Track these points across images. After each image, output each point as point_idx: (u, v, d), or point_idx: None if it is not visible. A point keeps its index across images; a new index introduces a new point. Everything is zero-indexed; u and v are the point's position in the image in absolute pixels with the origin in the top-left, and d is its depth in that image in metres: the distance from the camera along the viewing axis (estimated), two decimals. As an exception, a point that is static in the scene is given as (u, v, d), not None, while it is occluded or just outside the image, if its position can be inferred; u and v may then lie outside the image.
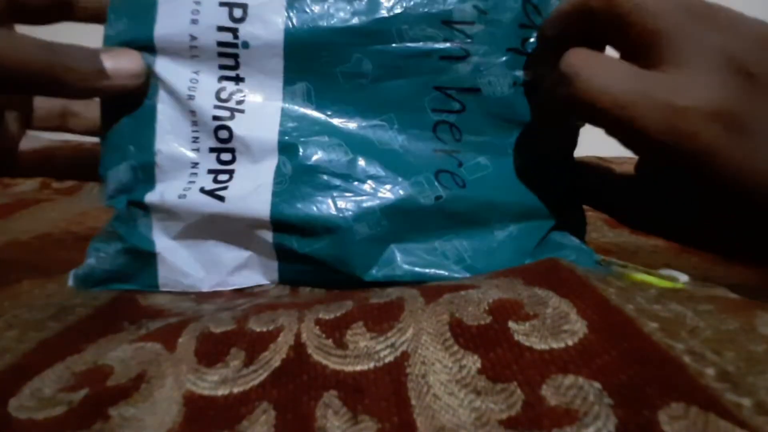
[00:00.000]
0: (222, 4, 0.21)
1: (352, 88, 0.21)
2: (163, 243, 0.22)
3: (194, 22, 0.21)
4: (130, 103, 0.22)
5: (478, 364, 0.13)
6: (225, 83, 0.21)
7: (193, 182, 0.21)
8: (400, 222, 0.21)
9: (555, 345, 0.13)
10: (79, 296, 0.21)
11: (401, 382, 0.12)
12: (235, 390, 0.13)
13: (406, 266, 0.21)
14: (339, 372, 0.13)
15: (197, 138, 0.22)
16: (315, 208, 0.21)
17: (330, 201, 0.21)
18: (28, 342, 0.16)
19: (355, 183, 0.21)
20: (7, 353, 0.16)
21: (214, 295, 0.22)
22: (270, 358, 0.14)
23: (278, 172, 0.21)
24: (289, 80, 0.21)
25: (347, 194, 0.21)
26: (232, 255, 0.22)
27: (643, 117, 0.16)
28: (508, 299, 0.15)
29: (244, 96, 0.22)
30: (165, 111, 0.22)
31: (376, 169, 0.21)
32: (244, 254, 0.22)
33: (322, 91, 0.22)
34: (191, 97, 0.21)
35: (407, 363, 0.13)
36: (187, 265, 0.22)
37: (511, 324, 0.14)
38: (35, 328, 0.18)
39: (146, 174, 0.22)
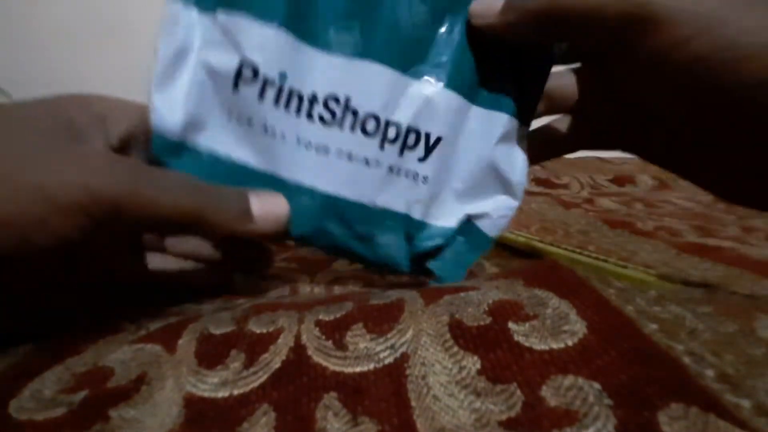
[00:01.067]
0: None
1: None
2: None
3: None
4: None
5: (478, 365, 0.13)
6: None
7: None
8: None
9: (555, 346, 0.13)
10: (80, 293, 0.21)
11: (401, 383, 0.12)
12: (236, 392, 0.13)
13: None
14: (339, 373, 0.13)
15: None
16: None
17: None
18: (27, 343, 0.16)
19: None
20: (7, 355, 0.16)
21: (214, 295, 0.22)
22: (270, 359, 0.14)
23: None
24: None
25: None
26: None
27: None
28: (507, 300, 0.15)
29: None
30: None
31: None
32: None
33: None
34: None
35: (407, 364, 0.13)
36: None
37: (510, 325, 0.14)
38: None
39: None
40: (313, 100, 0.20)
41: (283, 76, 0.20)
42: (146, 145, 0.20)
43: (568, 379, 0.12)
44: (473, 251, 0.23)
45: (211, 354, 0.14)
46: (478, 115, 0.22)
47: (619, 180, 0.76)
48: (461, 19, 0.21)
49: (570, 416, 0.11)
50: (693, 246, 0.34)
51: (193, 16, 0.20)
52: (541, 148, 0.24)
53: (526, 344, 0.13)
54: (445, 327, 0.14)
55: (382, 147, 0.21)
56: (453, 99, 0.21)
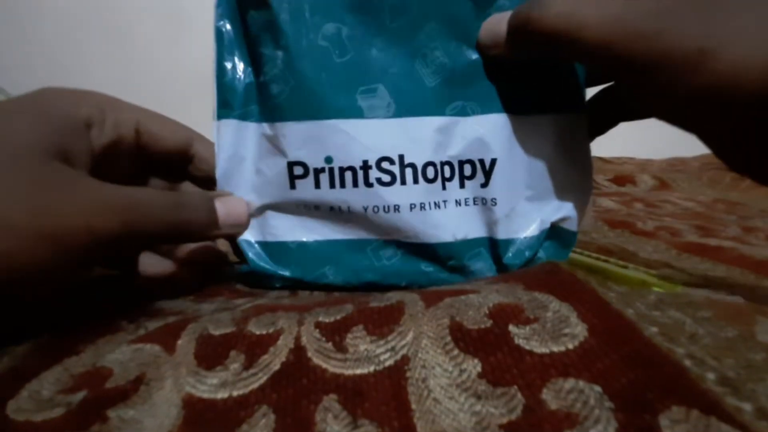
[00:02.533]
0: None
1: None
2: None
3: None
4: None
5: (479, 368, 0.13)
6: None
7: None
8: None
9: (555, 349, 0.13)
10: (78, 292, 0.21)
11: (401, 386, 0.12)
12: (235, 393, 0.13)
13: None
14: (339, 375, 0.13)
15: None
16: None
17: None
18: (26, 343, 0.16)
19: None
20: (5, 355, 0.16)
21: (214, 293, 0.22)
22: (270, 361, 0.14)
23: None
24: None
25: None
26: None
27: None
28: (508, 303, 0.15)
29: None
30: None
31: None
32: None
33: None
34: None
35: (407, 367, 0.13)
36: None
37: (511, 328, 0.14)
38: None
39: None
40: (367, 167, 0.21)
41: (328, 160, 0.21)
42: (133, 149, 0.21)
43: (569, 383, 0.12)
44: (563, 249, 0.24)
45: (210, 355, 0.14)
46: (523, 123, 0.22)
47: (619, 180, 0.76)
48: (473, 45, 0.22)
49: (571, 419, 0.11)
50: (693, 246, 0.34)
51: (249, 127, 0.22)
52: (600, 119, 0.24)
53: (527, 347, 0.13)
54: (445, 330, 0.14)
55: (444, 187, 0.22)
56: (495, 119, 0.22)
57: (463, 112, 0.22)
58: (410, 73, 0.21)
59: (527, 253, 0.23)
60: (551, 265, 0.18)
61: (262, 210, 0.23)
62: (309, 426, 0.12)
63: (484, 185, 0.22)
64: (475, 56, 0.22)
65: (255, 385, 0.13)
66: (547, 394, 0.11)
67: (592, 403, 0.11)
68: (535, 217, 0.23)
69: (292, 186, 0.22)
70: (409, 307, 0.15)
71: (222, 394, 0.13)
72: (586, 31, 0.17)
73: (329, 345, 0.14)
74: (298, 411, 0.12)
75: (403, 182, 0.21)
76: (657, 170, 0.82)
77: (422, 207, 0.21)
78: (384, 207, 0.21)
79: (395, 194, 0.21)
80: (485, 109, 0.22)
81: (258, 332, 0.15)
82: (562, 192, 0.23)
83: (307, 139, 0.21)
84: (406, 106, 0.21)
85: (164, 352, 0.15)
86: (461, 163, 0.22)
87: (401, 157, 0.21)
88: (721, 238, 0.37)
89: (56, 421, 0.12)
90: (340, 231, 0.22)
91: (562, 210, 0.23)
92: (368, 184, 0.21)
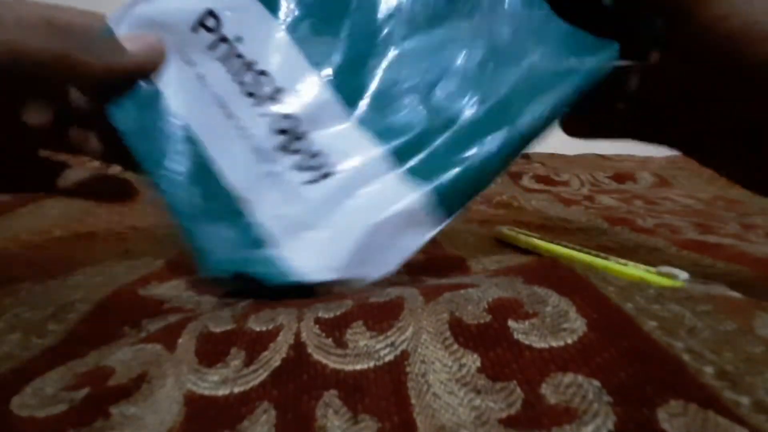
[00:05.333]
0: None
1: None
2: None
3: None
4: None
5: (478, 363, 0.13)
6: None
7: None
8: None
9: (554, 343, 0.13)
10: (79, 292, 0.21)
11: (401, 381, 0.13)
12: (236, 390, 0.13)
13: None
14: (339, 371, 0.13)
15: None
16: None
17: None
18: (31, 349, 0.17)
19: None
20: (10, 359, 0.16)
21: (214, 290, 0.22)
22: (270, 357, 0.14)
23: None
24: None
25: None
26: None
27: None
28: (507, 298, 0.15)
29: None
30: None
31: None
32: None
33: None
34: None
35: (407, 362, 0.13)
36: None
37: (510, 322, 0.14)
38: (37, 333, 0.18)
39: None
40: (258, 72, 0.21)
41: (238, 39, 0.21)
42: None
43: (568, 377, 0.12)
44: None
45: (211, 352, 0.14)
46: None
47: (619, 177, 0.76)
48: None
49: (570, 414, 0.11)
50: (693, 243, 0.34)
51: None
52: (592, 126, 0.24)
53: (526, 342, 0.13)
54: (445, 325, 0.14)
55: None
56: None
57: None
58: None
59: None
60: (551, 260, 0.18)
61: None
62: (310, 421, 0.12)
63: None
64: None
65: (256, 382, 0.13)
66: (546, 389, 0.11)
67: (590, 398, 0.11)
68: None
69: (194, 30, 0.21)
70: (408, 302, 0.15)
71: (223, 391, 0.13)
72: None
73: (329, 341, 0.14)
74: (298, 407, 0.12)
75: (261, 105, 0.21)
76: (657, 167, 0.82)
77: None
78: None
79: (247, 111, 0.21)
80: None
81: (258, 329, 0.15)
82: None
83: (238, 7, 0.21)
84: None
85: (165, 351, 0.15)
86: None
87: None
88: (721, 235, 0.37)
89: (59, 417, 0.12)
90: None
91: None
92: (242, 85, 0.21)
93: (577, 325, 0.13)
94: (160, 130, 0.21)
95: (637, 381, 0.11)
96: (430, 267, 0.25)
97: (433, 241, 0.21)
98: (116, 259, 0.28)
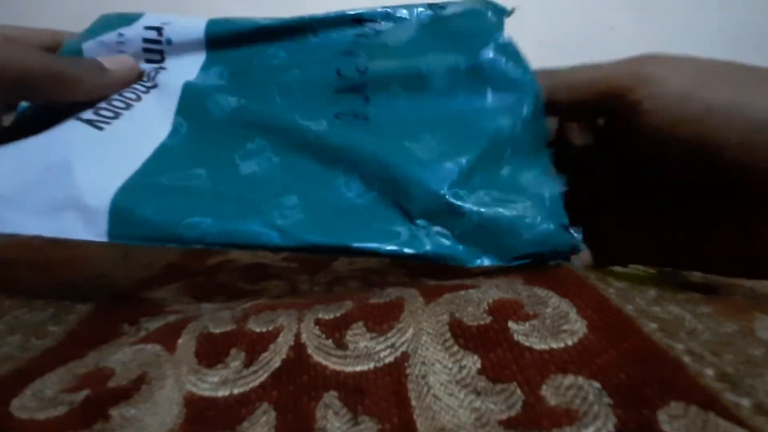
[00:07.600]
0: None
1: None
2: None
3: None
4: None
5: (478, 365, 0.13)
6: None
7: None
8: None
9: (555, 345, 0.13)
10: (79, 293, 0.21)
11: (401, 382, 0.12)
12: (236, 391, 0.13)
13: None
14: (339, 372, 0.13)
15: None
16: None
17: None
18: (31, 350, 0.17)
19: None
20: (10, 361, 0.16)
21: (214, 291, 0.22)
22: (270, 358, 0.14)
23: None
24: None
25: None
26: None
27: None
28: (507, 299, 0.15)
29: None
30: None
31: None
32: None
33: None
34: None
35: (407, 363, 0.13)
36: None
37: (510, 324, 0.14)
38: (37, 334, 0.18)
39: None
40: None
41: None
42: None
43: (568, 379, 0.12)
44: None
45: (211, 353, 0.14)
46: None
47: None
48: None
49: (570, 415, 0.11)
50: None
51: None
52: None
53: (526, 343, 0.13)
54: (445, 326, 0.14)
55: None
56: None
57: None
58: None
59: None
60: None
61: None
62: (310, 423, 0.12)
63: None
64: None
65: (256, 383, 0.13)
66: (546, 390, 0.11)
67: (591, 399, 0.11)
68: None
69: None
70: (408, 303, 0.15)
71: (223, 392, 0.13)
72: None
73: (329, 342, 0.14)
74: (298, 408, 0.12)
75: None
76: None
77: None
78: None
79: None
80: None
81: (258, 330, 0.15)
82: None
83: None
84: None
85: (165, 352, 0.15)
86: None
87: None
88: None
89: (59, 419, 0.12)
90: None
91: None
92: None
93: (577, 326, 0.13)
94: None
95: (637, 383, 0.11)
96: (430, 268, 0.25)
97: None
98: (116, 261, 0.28)
